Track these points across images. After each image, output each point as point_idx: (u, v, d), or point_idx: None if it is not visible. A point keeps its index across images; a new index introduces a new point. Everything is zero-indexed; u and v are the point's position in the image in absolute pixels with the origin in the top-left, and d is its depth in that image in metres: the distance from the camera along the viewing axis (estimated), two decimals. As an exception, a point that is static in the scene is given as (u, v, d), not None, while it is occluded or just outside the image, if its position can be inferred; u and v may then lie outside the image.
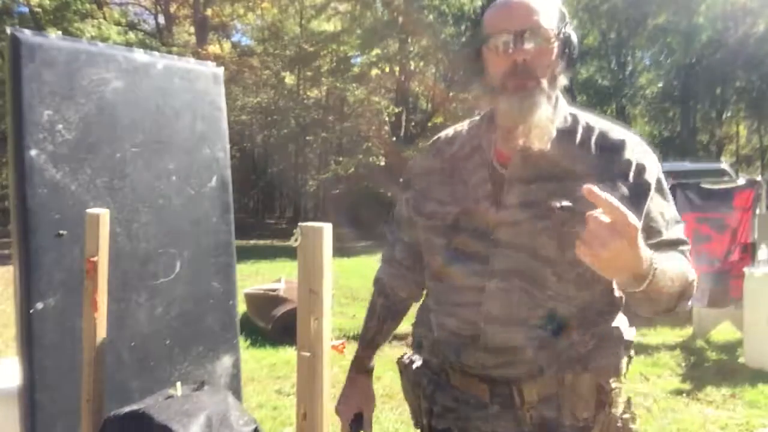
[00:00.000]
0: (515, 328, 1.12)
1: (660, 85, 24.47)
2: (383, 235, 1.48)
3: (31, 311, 1.75)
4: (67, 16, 17.54)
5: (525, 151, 1.13)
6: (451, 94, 20.74)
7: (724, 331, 5.46)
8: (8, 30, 1.80)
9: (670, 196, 1.18)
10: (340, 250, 11.03)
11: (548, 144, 1.12)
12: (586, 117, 1.21)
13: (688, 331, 5.60)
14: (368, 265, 10.81)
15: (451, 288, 1.19)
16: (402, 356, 1.35)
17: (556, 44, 1.11)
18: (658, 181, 1.15)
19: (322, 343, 0.59)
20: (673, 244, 1.13)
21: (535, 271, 1.11)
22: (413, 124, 23.38)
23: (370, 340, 1.40)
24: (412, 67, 22.56)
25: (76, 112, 1.89)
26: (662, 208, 1.14)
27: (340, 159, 20.62)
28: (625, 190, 1.09)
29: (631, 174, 1.11)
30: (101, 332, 0.92)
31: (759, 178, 6.48)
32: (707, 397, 3.92)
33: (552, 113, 1.12)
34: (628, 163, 1.12)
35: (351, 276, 9.34)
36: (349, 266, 10.73)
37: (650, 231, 1.10)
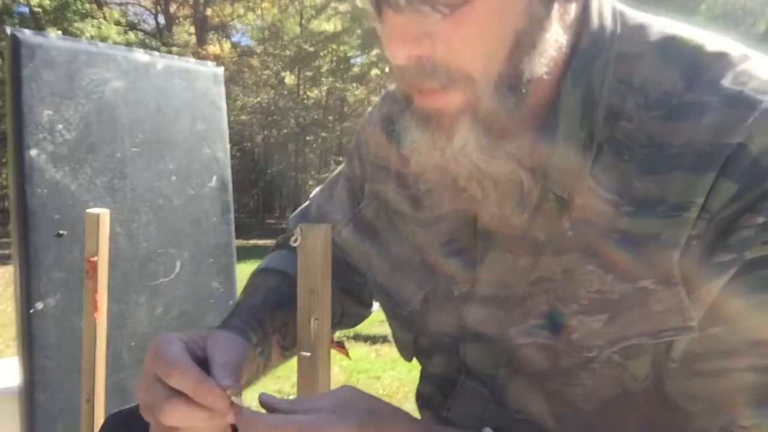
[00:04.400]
0: None
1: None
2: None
3: (31, 311, 1.75)
4: (67, 16, 17.54)
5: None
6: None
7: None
8: (8, 30, 1.80)
9: None
10: (340, 250, 10.99)
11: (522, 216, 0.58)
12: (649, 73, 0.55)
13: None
14: (368, 265, 10.81)
15: None
16: None
17: None
18: None
19: (322, 343, 0.59)
20: None
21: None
22: (413, 124, 23.37)
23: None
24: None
25: (76, 112, 1.89)
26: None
27: (340, 159, 20.64)
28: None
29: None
30: (101, 332, 0.92)
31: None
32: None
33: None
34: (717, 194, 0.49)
35: (351, 276, 9.33)
36: (349, 266, 10.72)
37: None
